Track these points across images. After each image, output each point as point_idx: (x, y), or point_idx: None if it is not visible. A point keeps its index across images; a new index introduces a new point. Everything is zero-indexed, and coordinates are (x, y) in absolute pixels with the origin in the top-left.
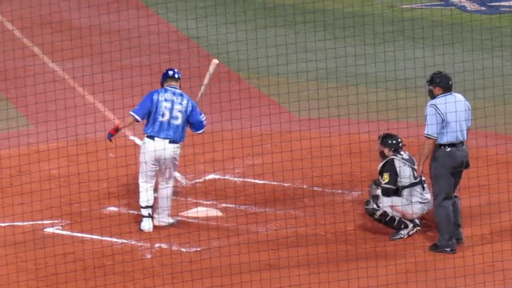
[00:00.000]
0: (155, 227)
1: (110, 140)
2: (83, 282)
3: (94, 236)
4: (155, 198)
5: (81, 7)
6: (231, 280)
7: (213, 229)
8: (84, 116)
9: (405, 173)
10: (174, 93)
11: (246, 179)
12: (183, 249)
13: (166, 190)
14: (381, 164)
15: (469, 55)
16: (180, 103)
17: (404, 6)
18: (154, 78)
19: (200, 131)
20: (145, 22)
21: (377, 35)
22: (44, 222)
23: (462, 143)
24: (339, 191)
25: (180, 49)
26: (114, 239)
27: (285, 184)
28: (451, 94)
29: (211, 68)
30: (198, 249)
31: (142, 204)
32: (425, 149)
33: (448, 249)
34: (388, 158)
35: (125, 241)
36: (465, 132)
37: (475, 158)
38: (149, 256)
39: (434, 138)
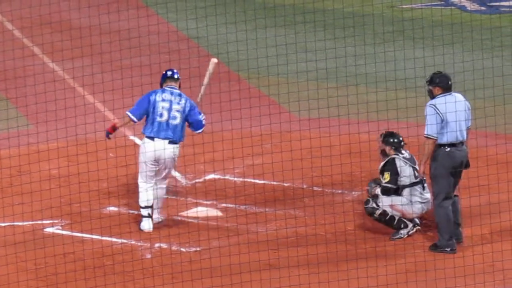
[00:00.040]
0: (155, 227)
1: (109, 138)
2: (83, 282)
3: (94, 236)
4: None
5: (81, 7)
6: (231, 280)
7: (213, 229)
8: (84, 116)
9: (406, 173)
10: (172, 93)
11: (246, 179)
12: (183, 249)
13: (157, 191)
14: (382, 163)
15: (469, 55)
16: (178, 103)
17: (404, 6)
18: (154, 78)
19: (199, 131)
20: (145, 22)
21: (377, 35)
22: (44, 222)
23: (461, 143)
24: (339, 191)
25: (180, 49)
26: (114, 239)
27: (285, 184)
28: (450, 94)
29: (211, 68)
30: (198, 249)
31: (142, 204)
32: (425, 149)
33: (448, 249)
34: (389, 157)
35: (125, 241)
36: (464, 132)
37: (475, 158)
38: (149, 256)
39: (434, 138)
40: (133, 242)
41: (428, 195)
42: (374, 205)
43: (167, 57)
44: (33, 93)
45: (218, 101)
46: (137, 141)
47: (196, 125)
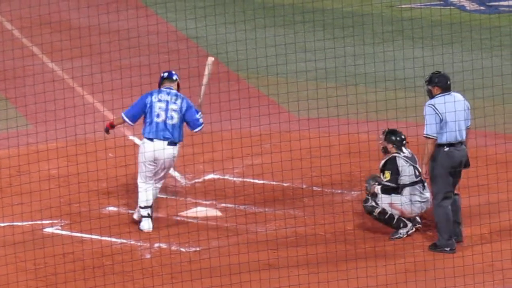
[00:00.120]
0: (154, 227)
1: (108, 133)
2: (83, 282)
3: (93, 236)
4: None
5: (80, 7)
6: (230, 280)
7: (213, 229)
8: (83, 116)
9: (407, 172)
10: (168, 94)
11: (245, 179)
12: (182, 249)
13: (152, 191)
14: (383, 161)
15: (468, 55)
16: (175, 103)
17: (403, 6)
18: (153, 78)
19: (197, 130)
20: (144, 22)
21: (376, 34)
22: (44, 222)
23: (461, 143)
24: (338, 191)
25: (179, 49)
26: (113, 239)
27: (284, 184)
28: (449, 94)
29: (209, 67)
30: (198, 249)
31: (141, 204)
32: (426, 150)
33: (448, 249)
34: (390, 156)
35: (124, 241)
36: (463, 132)
37: (474, 158)
38: (148, 256)
39: (434, 137)
40: (132, 242)
41: (428, 194)
42: (373, 203)
43: (166, 57)
44: (32, 93)
45: (218, 101)
46: (137, 141)
47: (193, 124)
